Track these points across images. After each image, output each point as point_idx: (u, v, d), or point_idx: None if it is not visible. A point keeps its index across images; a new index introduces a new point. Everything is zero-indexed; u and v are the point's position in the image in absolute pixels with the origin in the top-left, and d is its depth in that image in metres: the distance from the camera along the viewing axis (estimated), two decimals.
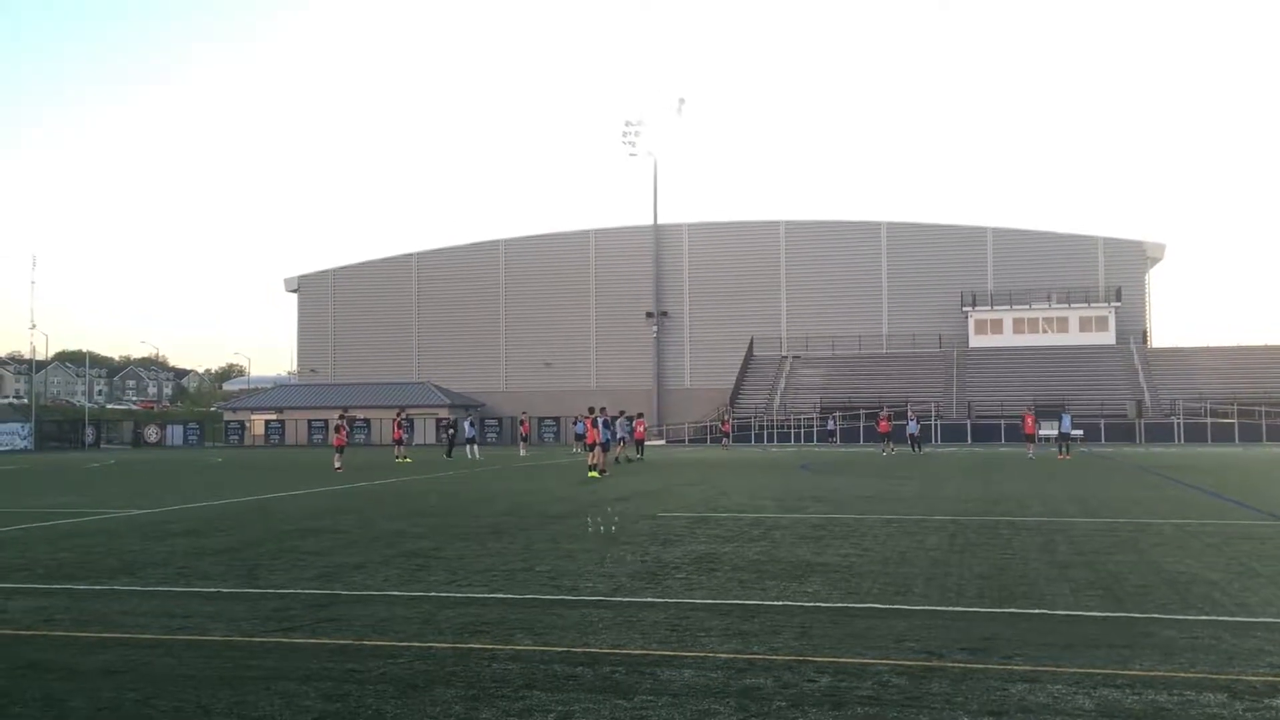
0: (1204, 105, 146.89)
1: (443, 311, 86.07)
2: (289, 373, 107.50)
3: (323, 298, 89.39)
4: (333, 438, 36.83)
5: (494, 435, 74.28)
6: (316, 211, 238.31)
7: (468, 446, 45.43)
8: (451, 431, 48.80)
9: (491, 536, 14.28)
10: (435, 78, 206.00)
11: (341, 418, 37.80)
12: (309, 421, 78.32)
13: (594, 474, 28.14)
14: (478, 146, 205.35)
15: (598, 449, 30.25)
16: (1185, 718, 5.60)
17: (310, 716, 5.81)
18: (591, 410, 31.04)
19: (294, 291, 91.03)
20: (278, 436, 79.65)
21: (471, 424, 48.11)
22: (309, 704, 6.05)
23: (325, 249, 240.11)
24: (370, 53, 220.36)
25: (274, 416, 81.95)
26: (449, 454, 45.42)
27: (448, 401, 78.79)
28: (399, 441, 43.17)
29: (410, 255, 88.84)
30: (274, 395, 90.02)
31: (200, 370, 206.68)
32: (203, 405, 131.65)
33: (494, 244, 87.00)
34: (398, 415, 45.59)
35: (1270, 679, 6.36)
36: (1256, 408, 59.82)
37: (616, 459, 37.60)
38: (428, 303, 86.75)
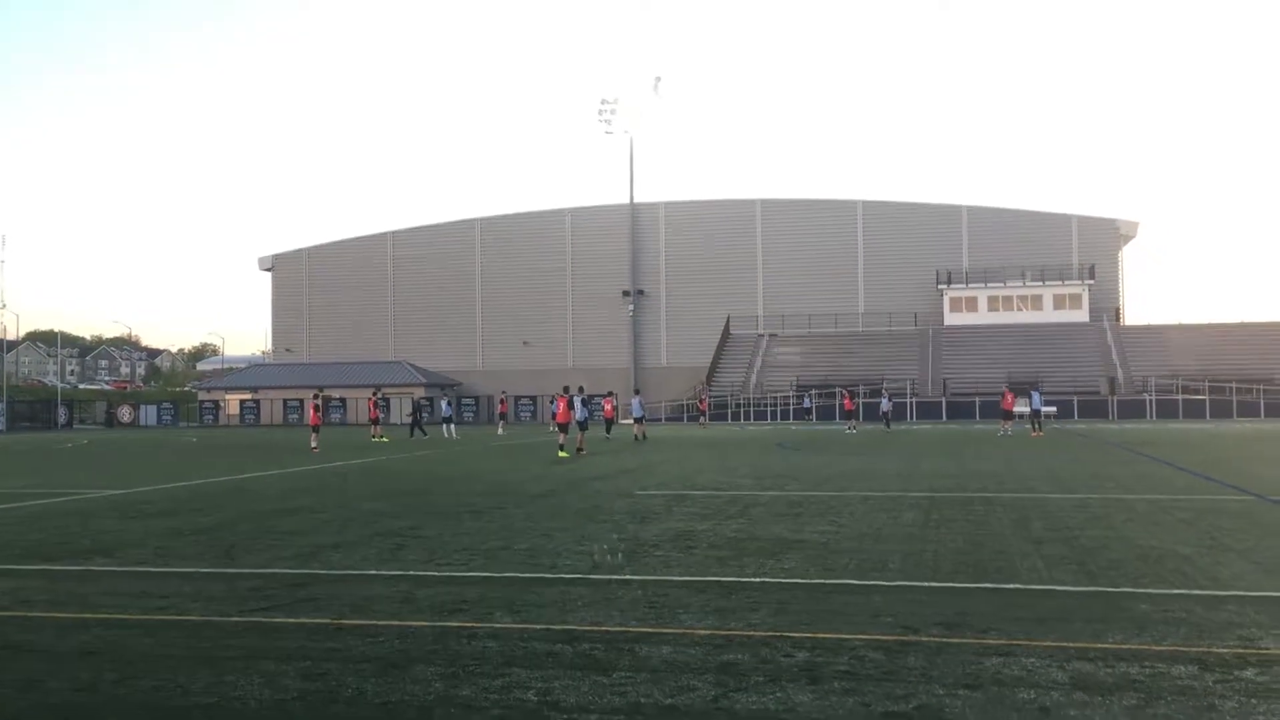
0: (1176, 85, 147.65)
1: (419, 290, 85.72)
2: (264, 352, 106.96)
3: (297, 277, 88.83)
4: (309, 417, 36.67)
5: (471, 414, 74.19)
6: (291, 190, 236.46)
7: (444, 425, 45.36)
8: (423, 413, 48.65)
9: (470, 515, 14.30)
10: (411, 56, 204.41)
11: (317, 397, 37.66)
12: (284, 401, 77.96)
13: (563, 453, 28.06)
14: (454, 125, 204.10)
15: (574, 427, 30.25)
16: (1157, 689, 5.69)
17: (290, 695, 5.82)
18: (565, 390, 30.98)
19: (268, 270, 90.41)
20: (253, 416, 79.23)
21: (449, 403, 48.03)
22: (288, 683, 6.06)
23: (300, 227, 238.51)
24: (347, 31, 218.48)
25: (249, 396, 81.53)
26: (412, 434, 45.33)
27: (424, 381, 78.56)
28: (375, 421, 43.07)
29: (385, 234, 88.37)
30: (249, 375, 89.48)
31: (174, 350, 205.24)
32: (176, 385, 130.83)
33: (470, 223, 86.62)
34: (374, 395, 45.47)
35: (1240, 651, 6.46)
36: (1228, 384, 60.44)
37: (637, 437, 37.72)
38: (403, 282, 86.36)
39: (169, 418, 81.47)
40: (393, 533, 12.57)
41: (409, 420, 48.08)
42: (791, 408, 65.05)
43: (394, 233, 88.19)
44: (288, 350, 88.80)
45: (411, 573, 9.74)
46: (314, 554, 10.98)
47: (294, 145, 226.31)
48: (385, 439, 41.10)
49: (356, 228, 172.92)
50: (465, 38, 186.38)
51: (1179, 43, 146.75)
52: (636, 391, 44.20)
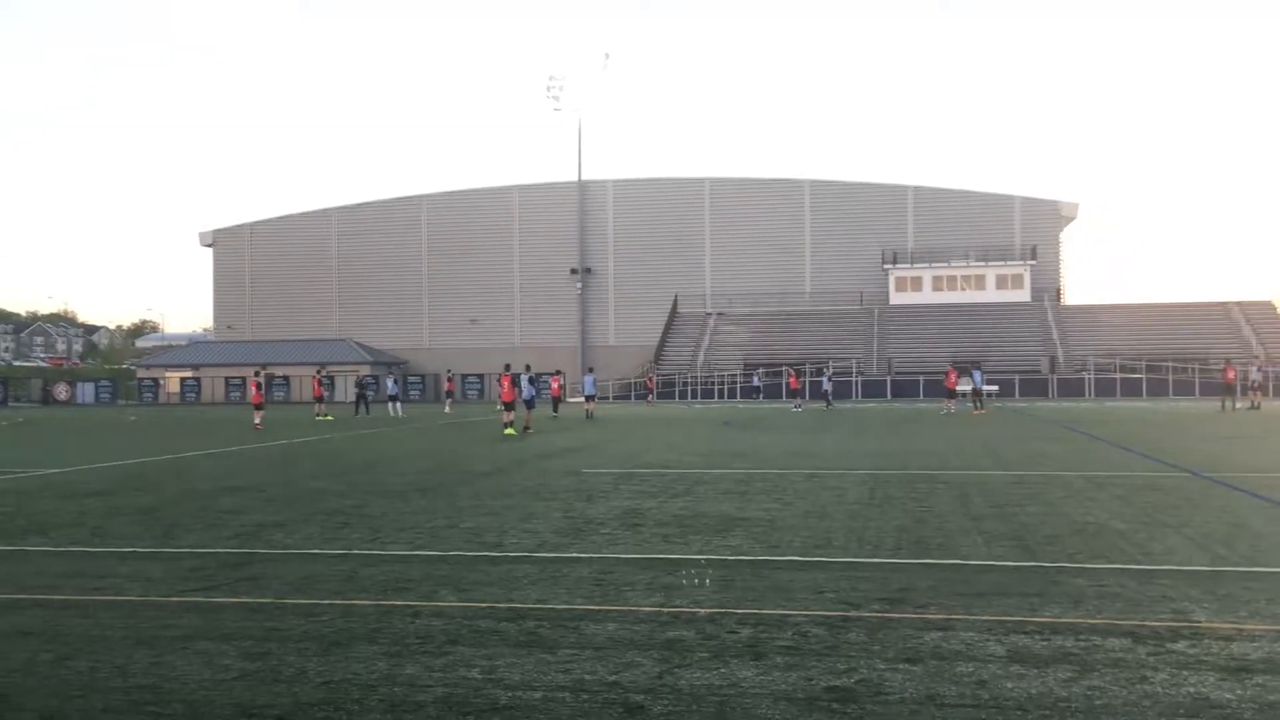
0: (1116, 68, 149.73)
1: (364, 267, 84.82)
2: (205, 329, 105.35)
3: (240, 252, 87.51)
4: (251, 395, 36.22)
5: (417, 393, 73.69)
6: (233, 165, 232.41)
7: (390, 404, 45.03)
8: (369, 390, 48.25)
9: (415, 494, 14.22)
10: (356, 29, 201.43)
11: (259, 374, 37.20)
12: (226, 379, 76.90)
13: (509, 431, 28.00)
14: (399, 100, 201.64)
15: (521, 406, 30.18)
16: (1091, 662, 5.81)
17: (230, 675, 5.76)
18: (508, 368, 30.89)
19: (209, 246, 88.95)
20: (194, 395, 78.10)
21: (394, 381, 47.67)
22: (228, 663, 6.00)
23: (242, 203, 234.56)
24: (291, 2, 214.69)
25: (190, 374, 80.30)
26: (357, 412, 44.98)
27: (370, 359, 77.90)
28: (319, 399, 42.68)
29: (330, 210, 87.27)
30: (190, 352, 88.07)
31: (112, 327, 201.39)
32: (115, 362, 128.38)
33: (416, 199, 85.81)
34: (318, 373, 45.02)
35: (1171, 624, 6.61)
36: (1163, 363, 61.68)
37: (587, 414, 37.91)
38: (349, 258, 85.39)
39: (107, 396, 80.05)
40: (337, 511, 12.47)
41: (355, 398, 47.59)
42: (739, 386, 65.36)
43: (339, 209, 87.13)
44: (230, 327, 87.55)
45: (355, 551, 9.68)
46: (256, 533, 10.87)
47: (236, 119, 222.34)
48: (330, 417, 40.73)
49: (300, 203, 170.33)
50: (410, 11, 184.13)
51: (1118, 26, 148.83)
52: (590, 370, 44.21)
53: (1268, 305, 70.14)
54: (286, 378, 74.45)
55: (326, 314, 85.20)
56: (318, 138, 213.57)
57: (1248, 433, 25.92)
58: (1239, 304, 70.46)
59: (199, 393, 78.00)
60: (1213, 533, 10.15)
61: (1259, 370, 45.02)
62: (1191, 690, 5.31)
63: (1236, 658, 5.86)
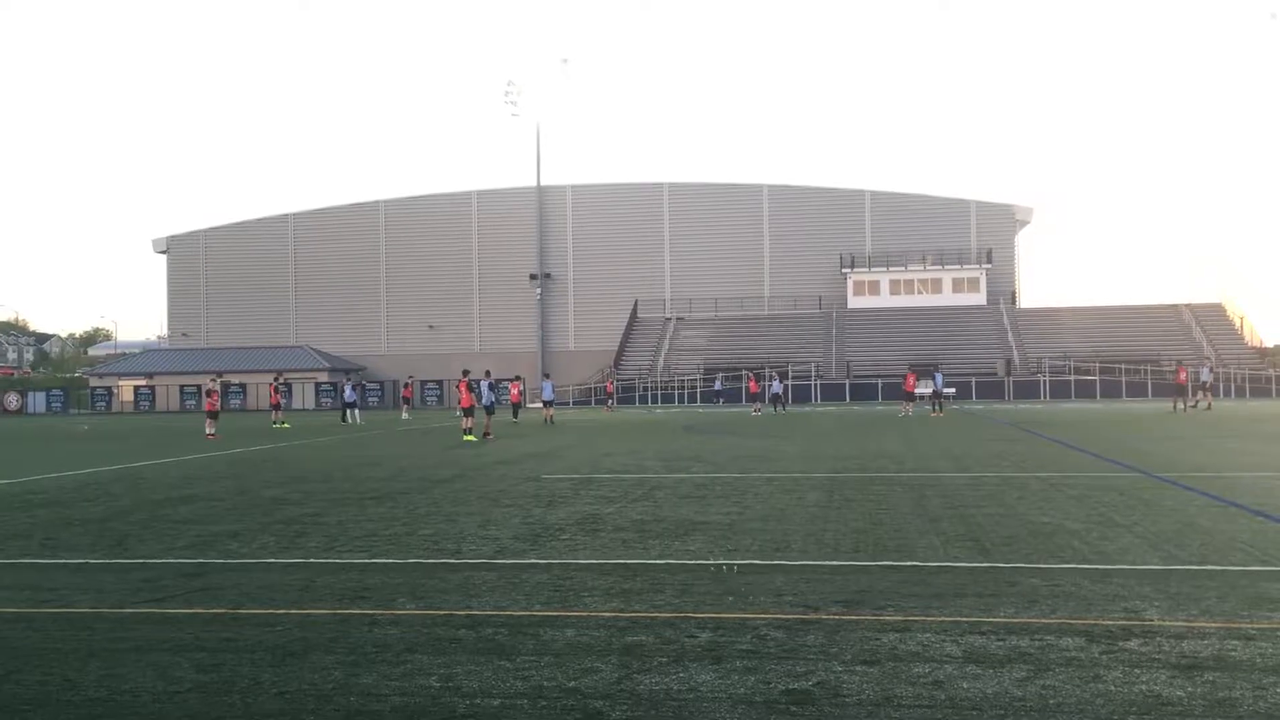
0: (1069, 74, 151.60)
1: (321, 273, 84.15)
2: (159, 337, 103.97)
3: (194, 259, 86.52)
4: (205, 403, 35.79)
5: (376, 399, 73.20)
6: (186, 170, 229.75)
7: (348, 411, 44.70)
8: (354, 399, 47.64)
9: (373, 502, 14.12)
10: (313, 31, 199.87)
11: (214, 382, 36.80)
12: (181, 387, 75.95)
13: (469, 437, 27.87)
14: (355, 104, 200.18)
15: (480, 411, 30.05)
16: (1046, 661, 5.87)
17: (184, 687, 5.68)
18: (466, 373, 30.74)
19: (163, 253, 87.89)
20: (148, 403, 77.07)
21: (353, 388, 47.31)
22: (182, 674, 5.92)
23: (196, 209, 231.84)
24: (246, 4, 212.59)
25: (144, 382, 79.24)
26: (344, 418, 44.58)
27: (327, 365, 77.30)
28: (276, 406, 42.31)
29: (286, 215, 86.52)
30: (143, 360, 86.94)
31: (64, 335, 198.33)
32: (67, 371, 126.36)
33: (374, 204, 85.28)
34: (275, 380, 44.61)
35: (1125, 623, 6.70)
36: (1117, 365, 62.54)
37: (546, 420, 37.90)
38: (305, 264, 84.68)
39: (59, 405, 78.78)
40: (293, 520, 12.35)
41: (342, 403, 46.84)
42: (699, 390, 65.49)
43: (295, 214, 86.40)
44: (184, 335, 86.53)
45: (312, 560, 9.59)
46: (211, 542, 10.74)
47: (190, 124, 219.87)
48: (287, 425, 40.35)
49: (256, 209, 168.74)
50: (366, 13, 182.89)
51: (1069, 32, 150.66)
52: (546, 375, 44.11)
53: (1218, 308, 71.34)
54: (243, 385, 73.67)
55: (283, 320, 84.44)
56: (273, 143, 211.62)
57: (1198, 433, 26.33)
58: (1190, 306, 71.60)
59: (153, 401, 76.99)
60: (1164, 532, 10.29)
61: (1209, 371, 45.76)
62: (1144, 688, 5.38)
63: (1188, 655, 5.95)
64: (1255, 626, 6.55)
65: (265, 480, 17.75)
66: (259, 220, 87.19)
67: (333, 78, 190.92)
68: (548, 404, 40.33)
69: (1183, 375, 42.28)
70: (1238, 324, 69.78)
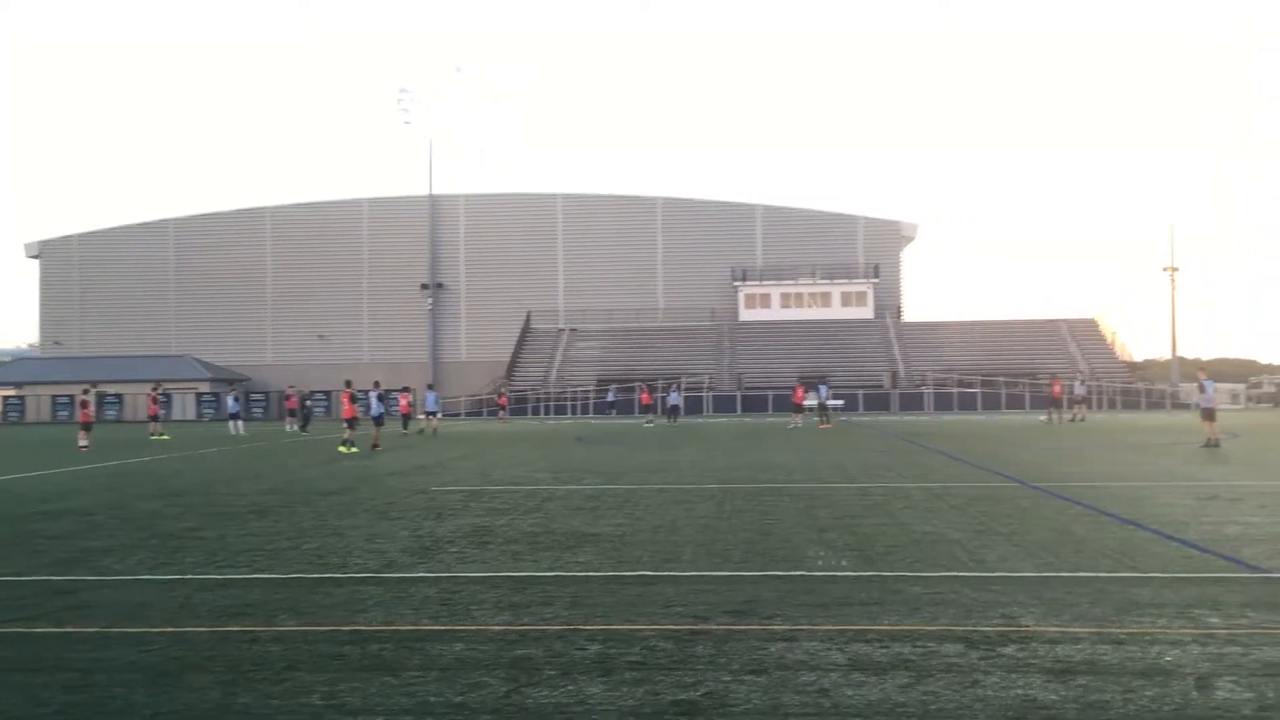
0: (953, 93, 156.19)
1: (204, 281, 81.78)
2: (30, 344, 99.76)
3: (68, 264, 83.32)
4: (78, 414, 34.46)
5: (261, 410, 71.42)
6: (62, 173, 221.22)
7: (231, 422, 43.47)
8: (308, 403, 46.18)
9: (255, 515, 13.75)
10: (192, 31, 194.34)
11: (87, 392, 35.47)
12: (53, 397, 73.01)
13: (351, 450, 27.28)
14: (240, 108, 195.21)
15: (369, 423, 29.53)
16: (927, 667, 6.00)
17: (51, 709, 5.45)
18: (349, 384, 30.21)
19: (35, 258, 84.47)
20: (17, 414, 73.88)
21: (235, 399, 46.05)
22: (49, 696, 5.68)
23: (72, 213, 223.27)
24: (127, 3, 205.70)
25: (13, 392, 75.94)
26: (304, 428, 43.24)
27: (209, 375, 75.16)
28: (155, 417, 40.97)
29: (168, 221, 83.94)
30: (13, 369, 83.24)
31: None
32: None
33: (260, 211, 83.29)
34: (154, 390, 43.21)
35: (1002, 629, 6.89)
36: (998, 378, 64.52)
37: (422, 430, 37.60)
38: (188, 271, 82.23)
39: None
40: (171, 535, 11.95)
41: (299, 413, 45.28)
42: (593, 402, 65.47)
43: (177, 220, 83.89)
44: (56, 343, 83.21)
45: (190, 576, 9.29)
46: (82, 559, 10.32)
47: (68, 125, 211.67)
48: (166, 436, 39.10)
49: (135, 214, 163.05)
50: (251, 15, 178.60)
51: (952, 55, 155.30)
52: (430, 386, 43.55)
53: (1091, 323, 74.12)
54: (120, 396, 71.17)
55: (164, 329, 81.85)
56: (157, 147, 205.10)
57: (1073, 444, 27.30)
58: (1066, 321, 74.22)
59: (23, 412, 73.87)
60: (1040, 540, 10.62)
61: (1082, 384, 47.47)
62: (1020, 692, 5.54)
63: (1061, 660, 6.14)
64: (1125, 631, 6.80)
65: (142, 494, 17.15)
66: (139, 225, 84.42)
67: (217, 80, 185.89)
68: (431, 415, 39.90)
69: (1057, 388, 43.78)
70: (1110, 339, 72.61)
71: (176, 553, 10.63)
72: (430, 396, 41.11)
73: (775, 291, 77.10)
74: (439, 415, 40.99)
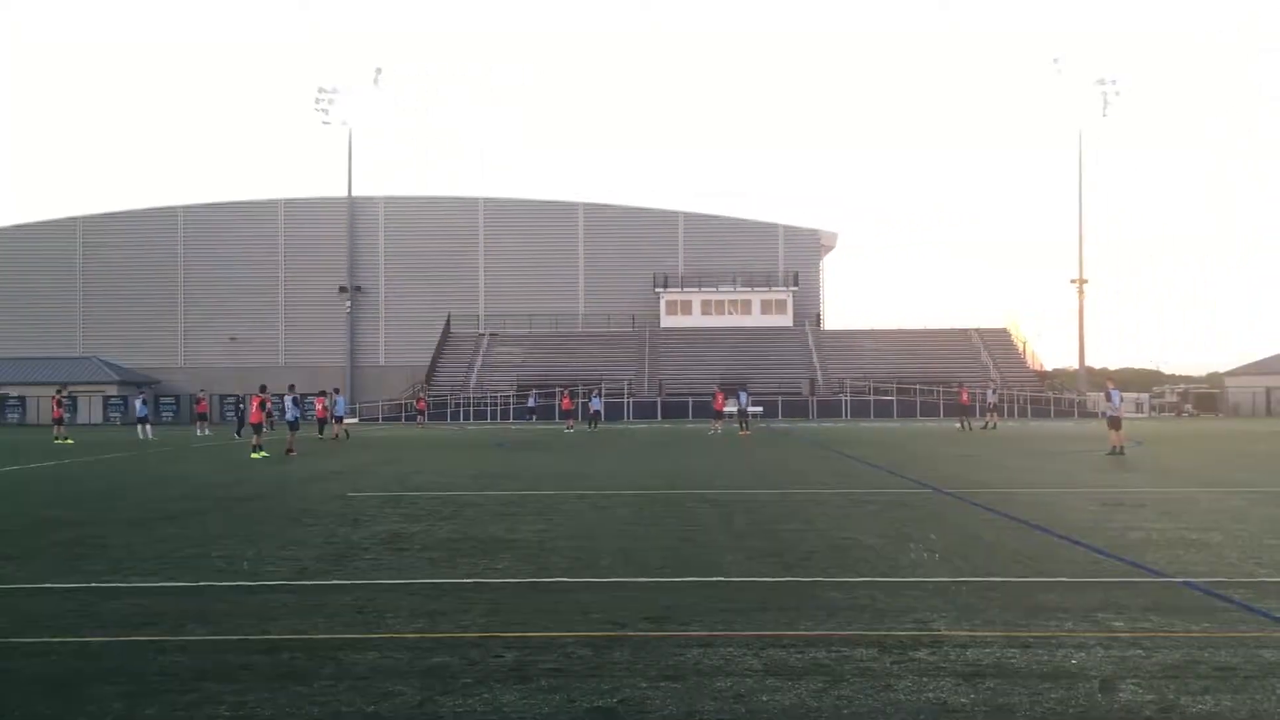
0: (869, 104, 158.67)
1: (112, 281, 79.57)
2: None
3: None
4: None
5: (170, 414, 69.74)
6: None
7: (139, 426, 42.34)
8: (275, 409, 44.33)
9: (163, 522, 13.40)
10: (104, 24, 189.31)
11: None
12: None
13: (257, 455, 26.77)
14: (150, 105, 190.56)
15: (284, 427, 29.01)
16: (841, 672, 6.07)
17: None
18: (263, 389, 29.71)
19: None
20: None
21: (144, 402, 44.85)
22: None
23: None
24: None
25: None
26: (239, 433, 41.54)
27: (117, 378, 73.15)
28: (59, 421, 39.73)
29: (75, 219, 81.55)
30: None
31: None
32: None
33: (171, 210, 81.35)
34: (58, 393, 41.94)
35: (915, 633, 7.00)
36: (913, 386, 65.63)
37: (336, 435, 37.02)
38: (95, 271, 79.94)
39: None
40: (73, 542, 11.59)
41: (236, 418, 43.65)
42: (512, 407, 65.13)
43: (84, 218, 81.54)
44: None
45: (94, 584, 9.02)
46: None
47: None
48: (70, 440, 37.94)
49: (41, 212, 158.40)
50: (170, 9, 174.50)
51: (869, 68, 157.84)
52: (336, 390, 42.85)
53: (1003, 332, 75.80)
54: (22, 398, 68.95)
55: (69, 330, 79.47)
56: (62, 142, 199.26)
57: (984, 451, 27.87)
58: (979, 331, 75.81)
59: None
60: (952, 545, 10.82)
61: (994, 393, 48.50)
62: (931, 696, 5.63)
63: (971, 663, 6.26)
64: (1033, 635, 6.95)
65: (44, 500, 16.63)
66: (44, 223, 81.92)
67: (128, 76, 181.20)
68: (339, 420, 39.34)
69: (965, 396, 44.75)
70: (1021, 348, 74.33)
71: (79, 560, 10.32)
72: (339, 401, 40.56)
73: (696, 298, 77.52)
74: (343, 420, 40.54)
